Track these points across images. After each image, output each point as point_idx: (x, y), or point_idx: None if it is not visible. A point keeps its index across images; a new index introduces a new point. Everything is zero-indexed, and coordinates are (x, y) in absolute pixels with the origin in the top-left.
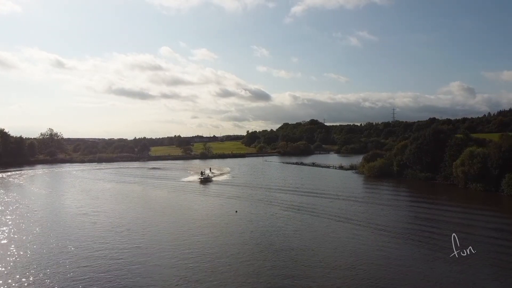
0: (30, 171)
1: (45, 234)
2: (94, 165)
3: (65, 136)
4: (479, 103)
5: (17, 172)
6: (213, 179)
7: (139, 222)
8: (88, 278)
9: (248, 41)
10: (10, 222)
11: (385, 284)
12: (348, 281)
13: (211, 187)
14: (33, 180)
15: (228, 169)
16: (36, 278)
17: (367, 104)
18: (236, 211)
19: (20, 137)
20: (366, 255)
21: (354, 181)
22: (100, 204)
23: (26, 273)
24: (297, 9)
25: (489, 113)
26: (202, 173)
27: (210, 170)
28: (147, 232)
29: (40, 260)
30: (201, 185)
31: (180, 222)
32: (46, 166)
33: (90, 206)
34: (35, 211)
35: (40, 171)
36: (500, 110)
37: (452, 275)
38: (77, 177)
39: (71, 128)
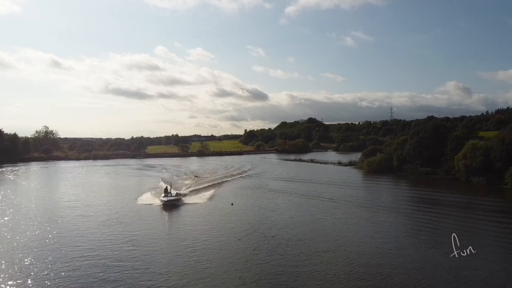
0: (24, 167)
1: (39, 227)
2: (89, 162)
3: (62, 136)
4: (476, 102)
5: (9, 168)
6: (185, 198)
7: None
8: (81, 275)
9: (244, 41)
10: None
11: (381, 278)
12: (347, 270)
13: (174, 226)
14: (27, 176)
15: (218, 174)
16: (29, 273)
17: (364, 103)
18: (232, 204)
19: (14, 134)
20: (364, 247)
21: (353, 175)
22: (88, 198)
23: (17, 269)
24: (291, 9)
25: (487, 111)
26: (166, 191)
27: (188, 180)
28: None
29: (33, 254)
30: (162, 215)
31: (175, 221)
32: (40, 163)
33: (80, 199)
34: (26, 203)
35: (34, 168)
36: (498, 109)
37: (452, 272)
38: (70, 172)
39: (69, 128)
